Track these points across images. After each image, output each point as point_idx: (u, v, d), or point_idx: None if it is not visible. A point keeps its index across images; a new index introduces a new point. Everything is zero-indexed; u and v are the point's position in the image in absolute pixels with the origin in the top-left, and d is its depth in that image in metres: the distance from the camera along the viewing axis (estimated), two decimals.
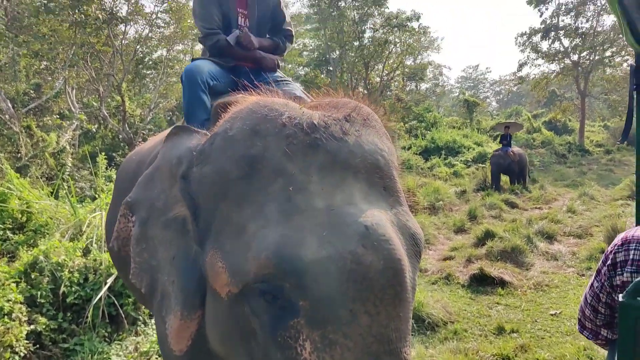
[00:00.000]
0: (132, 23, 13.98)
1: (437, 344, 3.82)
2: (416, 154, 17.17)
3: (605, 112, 35.29)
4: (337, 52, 24.13)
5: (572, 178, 14.45)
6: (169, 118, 18.56)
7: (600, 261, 1.49)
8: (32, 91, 11.21)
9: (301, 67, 26.86)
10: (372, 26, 23.50)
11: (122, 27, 13.49)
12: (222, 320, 1.17)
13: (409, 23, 22.69)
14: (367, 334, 0.99)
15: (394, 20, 22.38)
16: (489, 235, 6.55)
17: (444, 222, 8.44)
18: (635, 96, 1.80)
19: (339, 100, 1.34)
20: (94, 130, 12.99)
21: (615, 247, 1.41)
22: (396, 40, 23.48)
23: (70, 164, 9.67)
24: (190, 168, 1.24)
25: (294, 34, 2.55)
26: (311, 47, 27.68)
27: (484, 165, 15.48)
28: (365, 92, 23.42)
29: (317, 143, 1.14)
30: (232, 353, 1.20)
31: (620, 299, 1.20)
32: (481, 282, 5.17)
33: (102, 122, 14.15)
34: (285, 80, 2.27)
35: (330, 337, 0.98)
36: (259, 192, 1.10)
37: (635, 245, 1.35)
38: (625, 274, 1.36)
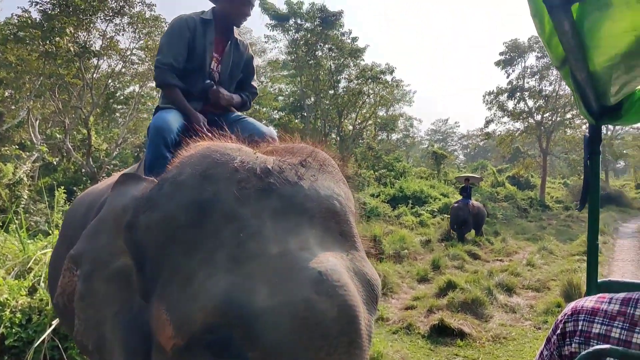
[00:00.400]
0: (105, 57, 13.96)
1: None
2: (384, 201, 17.33)
3: (565, 170, 36.81)
4: (312, 99, 24.62)
5: (532, 232, 14.82)
6: (136, 154, 18.29)
7: (551, 329, 1.48)
8: None
9: (276, 111, 27.22)
10: (347, 76, 24.22)
11: (94, 60, 13.44)
12: None
13: (383, 76, 23.52)
14: None
15: (369, 72, 23.18)
16: (450, 286, 6.58)
17: (408, 271, 8.45)
18: (589, 165, 1.87)
19: (295, 146, 1.32)
20: (55, 163, 12.64)
21: (565, 317, 1.41)
22: (370, 91, 24.24)
23: (26, 197, 9.31)
24: (137, 216, 1.19)
25: (258, 91, 2.58)
26: (287, 93, 28.17)
27: (449, 216, 15.73)
28: (338, 139, 23.83)
29: (270, 188, 1.11)
30: None
31: None
32: (441, 333, 5.14)
33: (65, 154, 13.82)
34: (242, 118, 2.27)
35: None
36: (209, 239, 1.06)
37: (584, 317, 1.35)
38: (573, 345, 1.35)
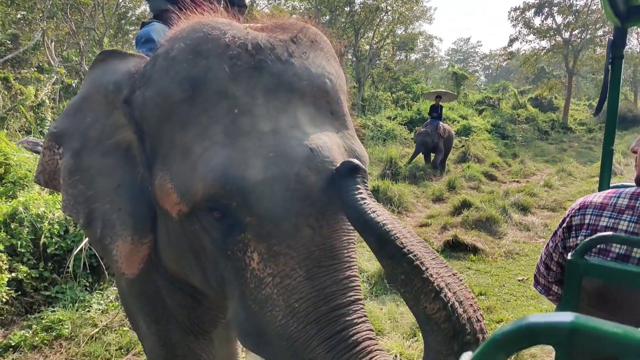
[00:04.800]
0: None
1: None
2: (401, 124, 17.19)
3: (592, 92, 35.53)
4: (327, 17, 23.68)
5: (552, 154, 14.68)
6: None
7: (558, 224, 1.54)
8: (8, 42, 10.84)
9: None
10: None
11: None
12: (175, 238, 1.24)
13: None
14: (309, 243, 1.05)
15: None
16: (465, 205, 6.70)
17: (423, 192, 8.58)
18: (610, 69, 1.84)
19: (285, 22, 1.30)
20: (74, 85, 12.71)
21: (573, 211, 1.47)
22: (388, 7, 23.09)
23: (49, 118, 9.48)
24: (133, 92, 1.23)
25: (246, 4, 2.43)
26: (300, 10, 27.09)
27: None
28: (354, 59, 23.19)
29: (261, 65, 1.13)
30: (187, 269, 1.28)
31: (569, 257, 1.28)
32: (455, 249, 5.33)
33: (82, 76, 13.82)
34: None
35: (274, 249, 1.05)
36: (203, 114, 1.11)
37: (592, 210, 1.40)
38: (579, 237, 1.41)
